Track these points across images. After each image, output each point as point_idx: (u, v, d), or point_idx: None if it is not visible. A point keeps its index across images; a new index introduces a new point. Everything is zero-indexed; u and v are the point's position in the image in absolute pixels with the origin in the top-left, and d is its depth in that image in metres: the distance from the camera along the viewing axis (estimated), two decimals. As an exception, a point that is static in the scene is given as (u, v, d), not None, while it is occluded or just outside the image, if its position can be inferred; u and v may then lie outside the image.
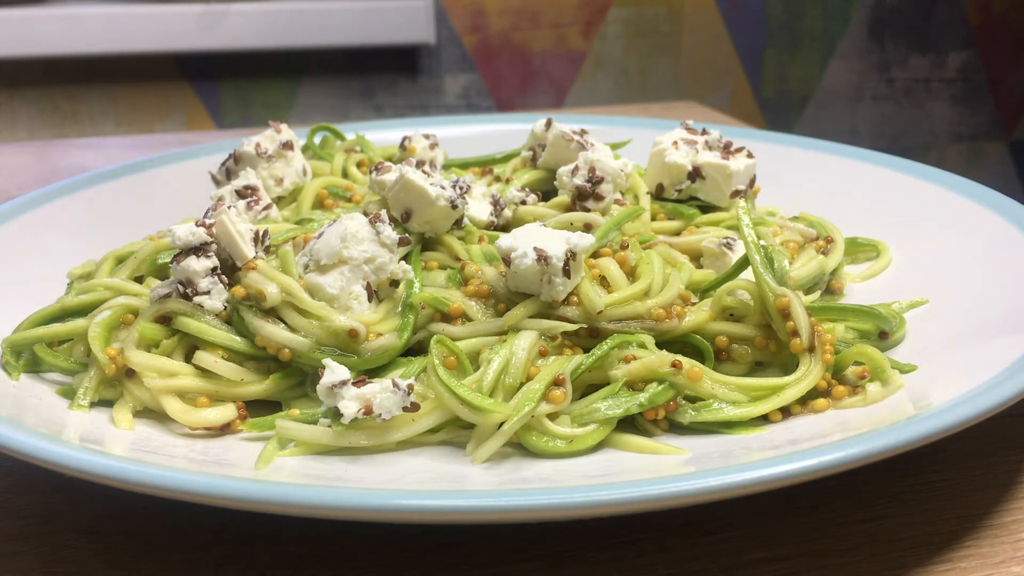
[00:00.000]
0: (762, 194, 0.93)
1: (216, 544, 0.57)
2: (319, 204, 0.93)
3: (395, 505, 0.48)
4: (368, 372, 0.65)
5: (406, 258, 0.74)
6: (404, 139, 1.00)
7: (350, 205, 0.92)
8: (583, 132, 0.90)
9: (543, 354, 0.65)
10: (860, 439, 0.52)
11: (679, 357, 0.64)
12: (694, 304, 0.70)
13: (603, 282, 0.70)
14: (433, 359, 0.63)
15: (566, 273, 0.66)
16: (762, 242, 0.70)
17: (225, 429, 0.65)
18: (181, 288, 0.68)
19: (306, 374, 0.67)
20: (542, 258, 0.66)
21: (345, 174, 0.99)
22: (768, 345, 0.68)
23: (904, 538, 0.57)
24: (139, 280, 0.78)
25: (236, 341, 0.67)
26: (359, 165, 1.01)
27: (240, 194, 0.90)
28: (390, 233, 0.70)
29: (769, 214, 0.92)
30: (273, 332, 0.66)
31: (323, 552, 0.56)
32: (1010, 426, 0.67)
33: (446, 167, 1.00)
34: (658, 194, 0.90)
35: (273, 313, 0.67)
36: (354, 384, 0.61)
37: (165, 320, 0.68)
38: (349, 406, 0.60)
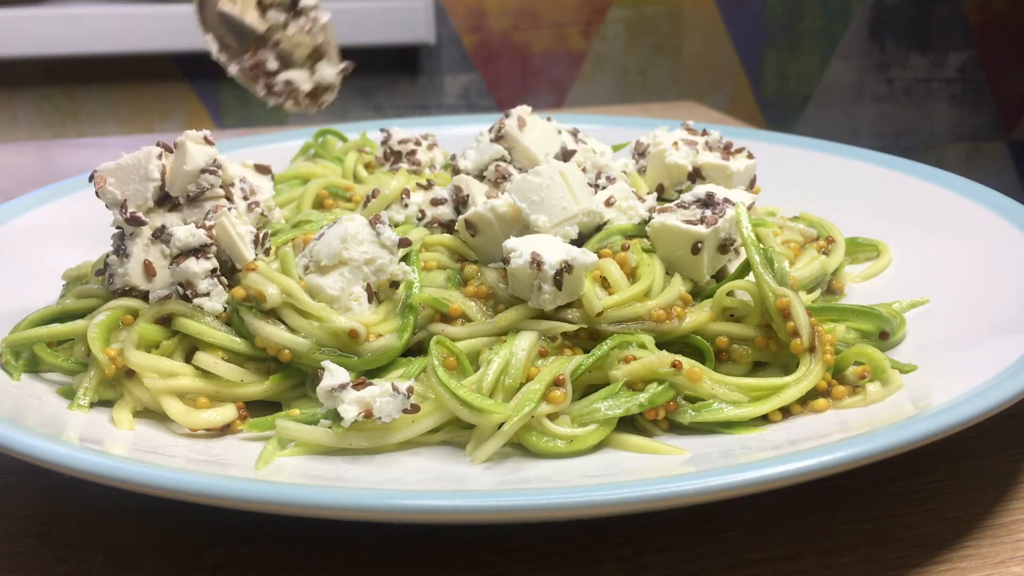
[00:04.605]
0: (762, 194, 0.93)
1: (216, 544, 0.57)
2: (319, 204, 0.93)
3: (395, 505, 0.48)
4: (368, 373, 0.65)
5: (406, 259, 0.74)
6: (383, 131, 1.00)
7: (350, 205, 0.92)
8: (575, 132, 0.91)
9: (543, 355, 0.65)
10: (860, 439, 0.52)
11: (679, 357, 0.64)
12: (694, 305, 0.70)
13: (604, 283, 0.70)
14: (433, 360, 0.63)
15: (556, 284, 0.65)
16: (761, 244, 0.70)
17: (225, 429, 0.65)
18: (181, 289, 0.68)
19: (306, 375, 0.67)
20: (535, 262, 0.66)
21: (355, 175, 0.99)
22: (768, 345, 0.68)
23: (904, 538, 0.57)
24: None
25: (236, 342, 0.67)
26: (367, 166, 1.01)
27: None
28: (390, 234, 0.70)
29: (769, 214, 0.92)
30: (273, 333, 0.66)
31: (323, 552, 0.56)
32: (1010, 426, 0.67)
33: (446, 167, 1.00)
34: (658, 195, 0.90)
35: (273, 314, 0.67)
36: (354, 387, 0.60)
37: (165, 321, 0.68)
38: (349, 410, 0.60)
